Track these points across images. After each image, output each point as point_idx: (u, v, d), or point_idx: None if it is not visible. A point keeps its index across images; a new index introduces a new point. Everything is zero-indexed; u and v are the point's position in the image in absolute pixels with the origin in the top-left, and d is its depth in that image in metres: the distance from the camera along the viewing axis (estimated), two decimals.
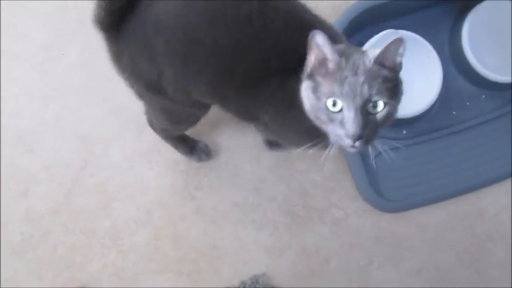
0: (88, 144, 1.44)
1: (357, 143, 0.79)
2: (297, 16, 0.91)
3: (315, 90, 0.81)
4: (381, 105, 0.80)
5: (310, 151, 0.92)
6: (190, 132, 1.37)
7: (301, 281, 1.38)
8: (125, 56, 0.95)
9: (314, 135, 0.89)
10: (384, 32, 1.32)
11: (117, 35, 0.93)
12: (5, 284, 1.37)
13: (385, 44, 0.78)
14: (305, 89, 0.84)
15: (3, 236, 1.39)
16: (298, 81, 0.85)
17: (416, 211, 1.40)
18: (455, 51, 1.42)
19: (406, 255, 1.39)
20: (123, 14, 0.90)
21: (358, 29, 1.38)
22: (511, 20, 1.40)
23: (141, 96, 1.07)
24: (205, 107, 1.11)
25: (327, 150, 0.87)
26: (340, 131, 0.80)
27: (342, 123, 0.79)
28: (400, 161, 1.38)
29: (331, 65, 0.80)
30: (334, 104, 0.79)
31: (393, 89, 0.81)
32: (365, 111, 0.79)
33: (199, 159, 1.40)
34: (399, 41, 0.78)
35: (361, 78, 0.78)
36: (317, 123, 0.85)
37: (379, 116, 0.81)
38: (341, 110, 0.79)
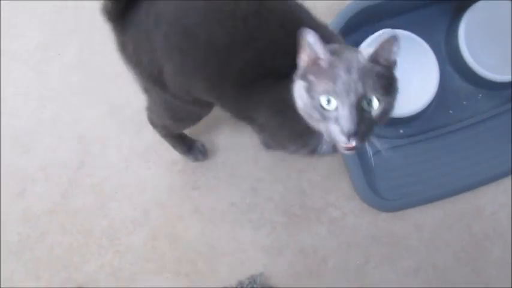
0: (85, 144, 1.44)
1: (352, 140, 0.78)
2: (292, 17, 0.91)
3: (309, 89, 0.81)
4: (375, 102, 0.79)
5: (305, 155, 0.92)
6: (188, 131, 1.37)
7: (299, 281, 1.38)
8: (130, 47, 0.97)
9: (307, 138, 0.88)
10: (380, 32, 1.33)
11: (123, 25, 0.95)
12: (3, 284, 1.37)
13: (380, 42, 0.78)
14: (298, 89, 0.83)
15: (0, 236, 1.39)
16: (291, 83, 0.85)
17: (413, 210, 1.40)
18: (452, 50, 1.43)
19: (403, 254, 1.39)
20: (129, 4, 0.92)
21: (354, 29, 1.38)
22: (507, 19, 1.41)
23: (145, 89, 1.08)
24: (207, 107, 1.11)
25: (319, 147, 0.87)
26: (334, 128, 0.79)
27: (336, 121, 0.79)
28: (397, 160, 1.38)
29: (323, 64, 0.80)
30: (328, 102, 0.79)
31: (388, 86, 0.81)
32: (360, 108, 0.78)
33: (196, 159, 1.40)
34: (394, 39, 0.78)
35: (355, 76, 0.77)
36: (311, 122, 0.84)
37: (374, 113, 0.80)
38: (336, 109, 0.79)
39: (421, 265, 1.39)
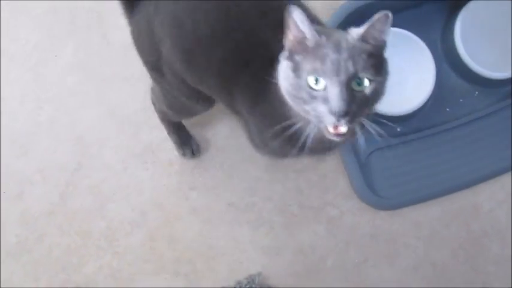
0: (83, 145, 1.44)
1: (341, 120, 0.74)
2: (273, 5, 0.88)
3: (295, 68, 0.77)
4: (366, 82, 0.76)
5: (288, 152, 0.90)
6: (189, 128, 1.38)
7: (297, 280, 1.38)
8: (135, 30, 1.01)
9: (289, 134, 0.84)
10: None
11: (133, 7, 0.99)
12: (2, 286, 1.37)
13: (372, 20, 0.75)
14: (284, 70, 0.79)
15: None
16: (271, 74, 0.82)
17: (411, 208, 1.40)
18: (448, 48, 1.43)
19: (401, 252, 1.39)
20: None
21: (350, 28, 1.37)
22: (503, 16, 1.40)
23: (150, 73, 1.10)
24: (203, 102, 1.10)
25: (304, 134, 0.81)
26: (322, 108, 0.75)
27: (325, 100, 0.74)
28: (395, 158, 1.38)
29: (310, 43, 0.76)
30: (316, 82, 0.75)
31: (379, 66, 0.77)
32: (350, 88, 0.74)
33: (184, 154, 1.39)
34: (385, 17, 0.75)
35: (345, 55, 0.74)
36: (296, 105, 0.79)
37: (365, 93, 0.76)
38: (324, 88, 0.74)
39: (419, 263, 1.39)
